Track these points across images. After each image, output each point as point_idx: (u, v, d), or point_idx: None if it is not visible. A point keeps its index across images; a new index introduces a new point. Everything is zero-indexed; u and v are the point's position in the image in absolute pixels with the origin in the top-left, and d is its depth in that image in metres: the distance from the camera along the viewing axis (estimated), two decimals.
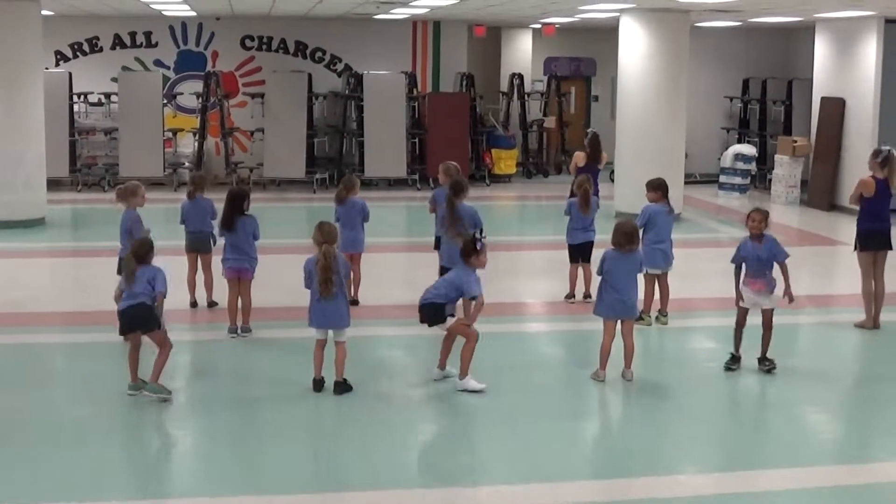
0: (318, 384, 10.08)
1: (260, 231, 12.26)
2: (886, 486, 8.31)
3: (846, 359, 12.06)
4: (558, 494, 8.00)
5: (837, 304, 14.39)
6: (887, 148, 12.86)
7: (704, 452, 9.05)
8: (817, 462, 8.87)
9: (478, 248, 10.15)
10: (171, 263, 9.72)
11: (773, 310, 10.88)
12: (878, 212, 12.66)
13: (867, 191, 12.67)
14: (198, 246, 13.17)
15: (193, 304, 13.25)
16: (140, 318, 9.60)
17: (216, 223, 12.70)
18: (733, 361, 10.99)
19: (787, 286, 10.92)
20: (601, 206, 14.76)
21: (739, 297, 10.94)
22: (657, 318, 12.83)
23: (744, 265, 10.93)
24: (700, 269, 15.44)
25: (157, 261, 9.76)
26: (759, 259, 10.81)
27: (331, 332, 10.05)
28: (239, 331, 12.11)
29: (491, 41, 30.84)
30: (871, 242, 12.71)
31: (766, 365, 10.89)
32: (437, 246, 13.28)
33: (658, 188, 12.88)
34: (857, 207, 12.93)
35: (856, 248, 12.87)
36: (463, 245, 10.34)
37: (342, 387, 10.02)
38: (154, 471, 8.65)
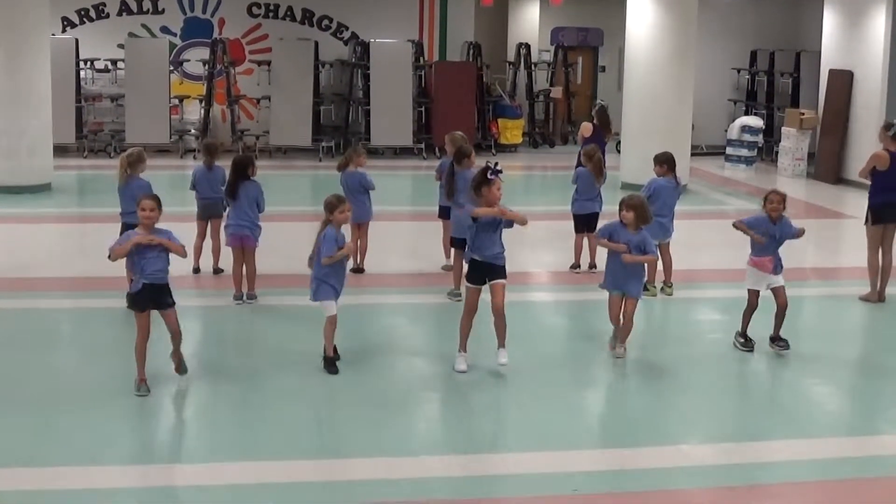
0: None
1: (264, 199, 12.21)
2: (890, 459, 8.33)
3: (851, 331, 12.06)
4: (563, 463, 8.02)
5: (843, 277, 14.36)
6: None
7: (709, 423, 9.07)
8: (821, 434, 8.91)
9: (489, 176, 9.94)
10: (179, 229, 9.66)
11: (784, 287, 10.62)
12: (892, 185, 12.60)
13: (881, 164, 12.62)
14: (210, 212, 13.18)
15: (196, 270, 13.27)
16: (157, 294, 9.20)
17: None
18: (748, 343, 10.72)
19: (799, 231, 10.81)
20: (607, 178, 14.75)
21: (758, 238, 10.61)
22: (662, 288, 12.84)
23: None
24: (706, 241, 15.43)
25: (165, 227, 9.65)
26: (773, 238, 10.61)
27: None
28: (244, 297, 12.13)
29: (498, 10, 30.74)
30: (884, 216, 12.67)
31: (780, 344, 10.64)
32: (441, 215, 13.30)
33: (665, 162, 12.84)
34: (868, 181, 12.89)
35: (867, 222, 12.82)
36: (474, 177, 10.00)
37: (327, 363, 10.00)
38: (158, 436, 8.68)
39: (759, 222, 10.70)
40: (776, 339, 10.69)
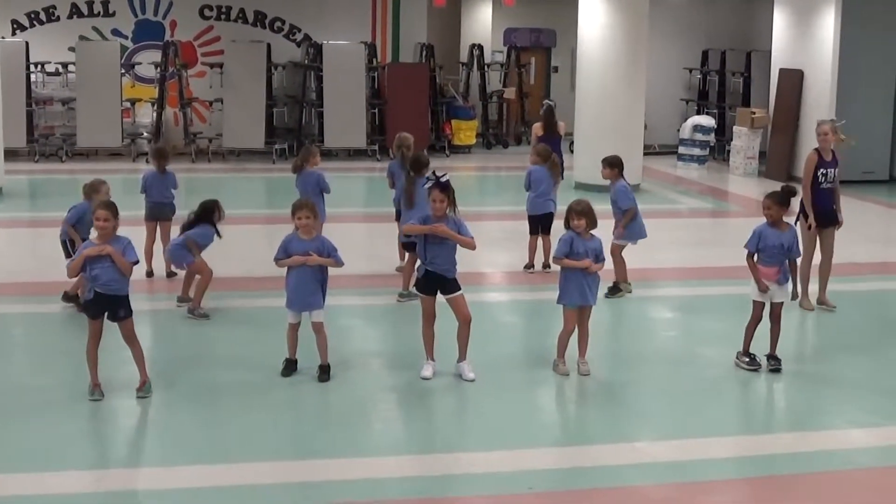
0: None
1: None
2: (836, 454, 8.41)
3: (803, 329, 12.15)
4: (519, 462, 8.04)
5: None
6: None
7: (663, 420, 9.12)
8: (770, 430, 9.10)
9: (424, 186, 9.82)
10: (130, 234, 9.60)
11: (782, 303, 10.27)
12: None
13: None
14: (157, 214, 13.18)
15: (149, 274, 13.21)
16: (110, 304, 9.06)
17: (178, 202, 12.68)
18: (753, 362, 10.18)
19: (795, 284, 10.39)
20: (564, 177, 14.82)
21: (763, 286, 10.07)
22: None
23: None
24: (659, 240, 15.49)
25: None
26: (781, 247, 10.03)
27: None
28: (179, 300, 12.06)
29: (451, 11, 30.79)
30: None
31: (773, 363, 10.18)
32: (398, 217, 13.33)
33: (616, 165, 12.81)
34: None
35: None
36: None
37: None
38: (113, 441, 8.64)
39: (763, 237, 10.11)
40: (771, 358, 10.24)
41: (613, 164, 12.82)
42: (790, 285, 10.42)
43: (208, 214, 11.97)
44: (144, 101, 25.79)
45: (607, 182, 12.88)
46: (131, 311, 9.18)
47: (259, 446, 8.29)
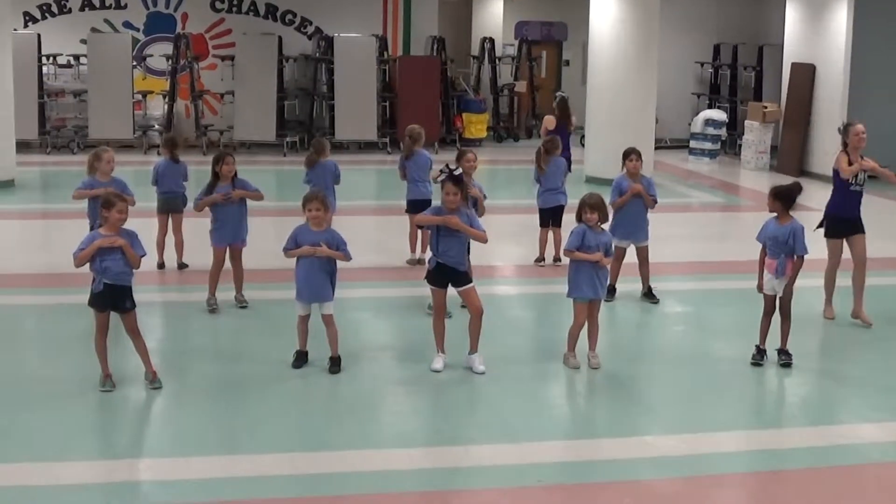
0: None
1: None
2: (849, 448, 8.41)
3: (812, 324, 12.12)
4: (529, 455, 8.05)
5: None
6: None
7: (673, 414, 9.11)
8: (781, 424, 9.09)
9: (436, 180, 9.88)
10: (142, 225, 9.63)
11: (786, 297, 10.16)
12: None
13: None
14: (171, 206, 13.20)
15: (161, 266, 13.23)
16: (117, 296, 9.05)
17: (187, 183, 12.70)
18: (759, 355, 10.21)
19: (790, 280, 10.08)
20: (572, 171, 14.81)
21: (759, 284, 10.24)
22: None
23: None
24: (669, 234, 15.48)
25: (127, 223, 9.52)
26: (775, 239, 10.01)
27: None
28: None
29: (462, 5, 30.80)
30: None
31: (783, 358, 10.15)
32: (408, 210, 13.37)
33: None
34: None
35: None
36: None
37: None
38: (124, 431, 8.66)
39: (764, 228, 10.23)
40: (781, 352, 10.21)
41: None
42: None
43: (212, 165, 11.80)
44: (156, 93, 25.86)
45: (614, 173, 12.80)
46: (135, 303, 9.20)
47: (269, 438, 8.30)
